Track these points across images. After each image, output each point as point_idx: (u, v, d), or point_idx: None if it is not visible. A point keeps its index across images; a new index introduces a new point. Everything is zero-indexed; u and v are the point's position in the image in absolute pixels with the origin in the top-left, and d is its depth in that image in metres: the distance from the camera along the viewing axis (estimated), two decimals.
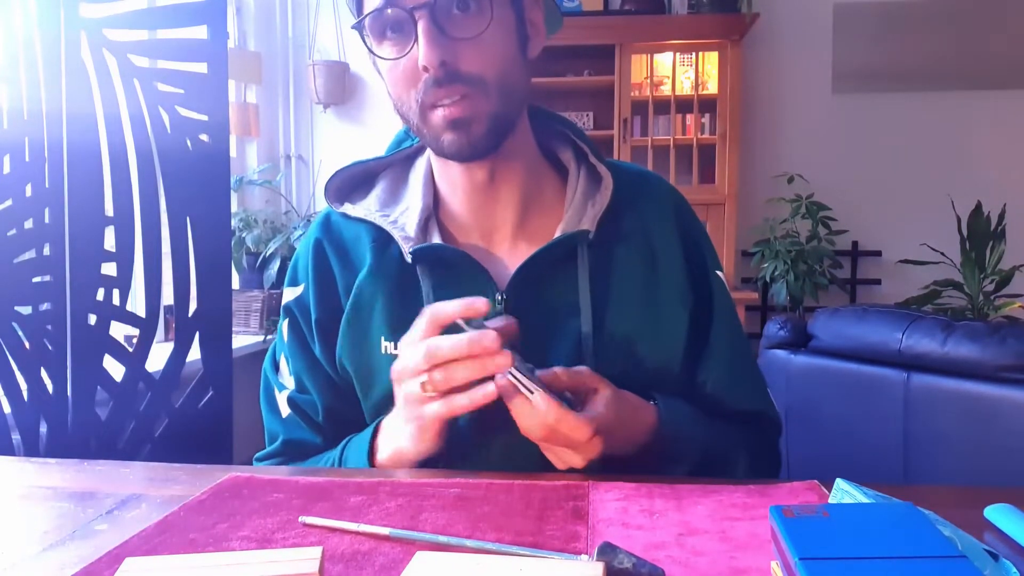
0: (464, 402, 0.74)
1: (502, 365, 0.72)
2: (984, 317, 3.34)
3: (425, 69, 0.80)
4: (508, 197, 0.92)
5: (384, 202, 0.94)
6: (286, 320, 0.96)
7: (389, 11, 0.81)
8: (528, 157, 0.94)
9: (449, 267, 0.89)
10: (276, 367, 0.98)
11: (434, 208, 0.94)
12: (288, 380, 0.96)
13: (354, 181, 0.97)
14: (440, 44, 0.79)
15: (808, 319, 2.32)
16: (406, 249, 0.89)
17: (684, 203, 0.99)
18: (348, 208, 0.94)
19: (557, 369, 0.78)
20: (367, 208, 0.93)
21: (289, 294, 0.97)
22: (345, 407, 0.93)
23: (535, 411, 0.71)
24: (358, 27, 0.84)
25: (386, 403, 0.88)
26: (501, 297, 0.87)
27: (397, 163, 0.99)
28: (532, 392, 0.72)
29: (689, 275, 0.93)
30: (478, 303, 0.74)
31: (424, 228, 0.92)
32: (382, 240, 0.92)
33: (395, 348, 0.87)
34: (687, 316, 0.91)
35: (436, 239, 0.91)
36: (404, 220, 0.92)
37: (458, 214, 0.94)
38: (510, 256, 0.92)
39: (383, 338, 0.89)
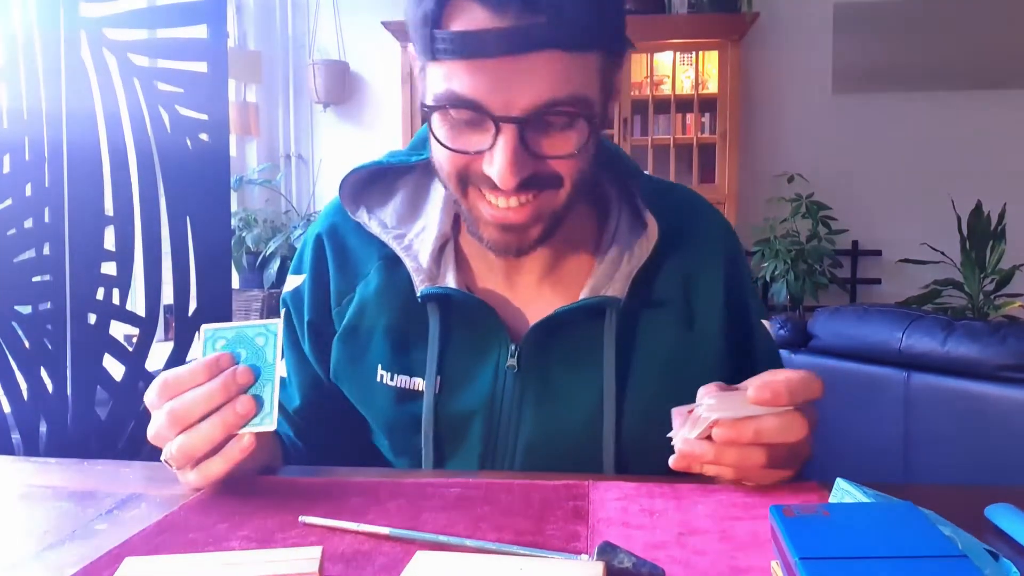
0: (219, 466, 0.67)
1: (244, 409, 0.65)
2: (984, 316, 3.34)
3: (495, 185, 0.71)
4: (538, 258, 0.85)
5: (401, 217, 0.87)
6: (283, 311, 0.93)
7: (466, 114, 0.71)
8: (583, 213, 0.86)
9: (461, 309, 0.83)
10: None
11: (454, 231, 0.87)
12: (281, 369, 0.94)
13: (372, 183, 0.89)
14: (522, 166, 0.70)
15: (808, 318, 2.33)
16: (417, 282, 0.83)
17: (735, 248, 0.90)
18: (363, 217, 0.87)
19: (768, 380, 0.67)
20: (383, 222, 0.87)
21: (289, 283, 0.93)
22: (324, 408, 0.91)
23: (787, 430, 0.65)
24: (425, 109, 0.74)
25: (385, 427, 0.87)
26: (515, 350, 0.81)
27: (419, 170, 0.90)
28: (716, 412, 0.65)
29: (728, 332, 0.85)
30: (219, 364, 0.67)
31: (439, 258, 0.85)
32: (391, 259, 0.86)
33: (391, 379, 0.84)
34: (719, 375, 0.80)
35: (450, 274, 0.84)
36: (419, 246, 0.85)
37: (477, 255, 0.86)
38: (533, 304, 0.85)
39: (380, 366, 0.85)
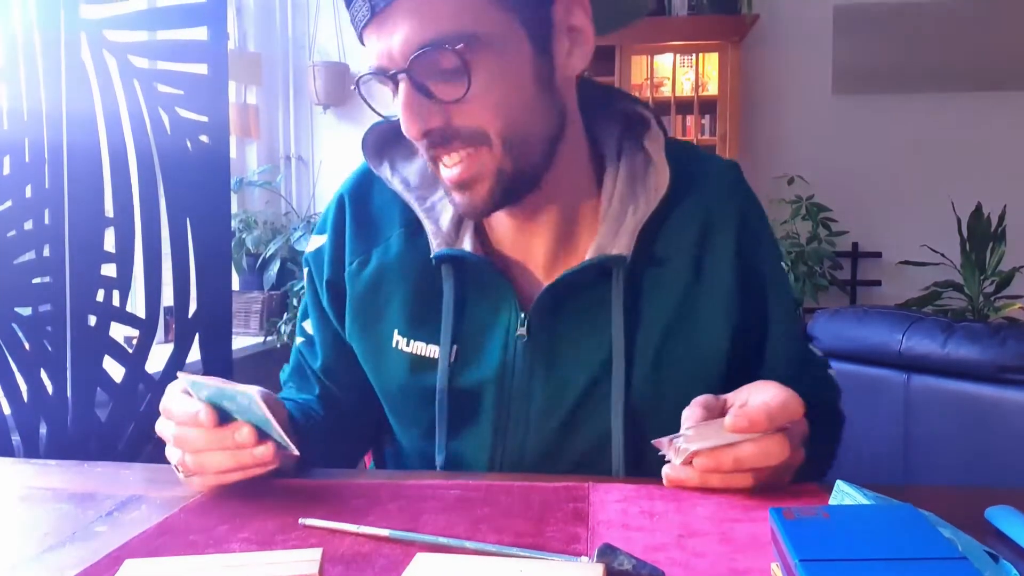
0: (234, 477, 0.69)
1: (263, 458, 0.67)
2: (984, 318, 3.33)
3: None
4: (544, 233, 0.84)
5: (425, 177, 0.86)
6: (306, 270, 0.94)
7: (380, 81, 0.76)
8: (574, 180, 0.84)
9: (476, 274, 0.83)
10: (304, 313, 0.96)
11: None
12: (307, 323, 0.95)
13: (400, 138, 0.85)
14: (423, 111, 0.73)
15: (808, 320, 2.32)
16: (433, 245, 0.83)
17: (749, 201, 0.88)
18: (386, 173, 0.86)
19: (760, 407, 0.67)
20: (406, 179, 0.86)
21: (312, 243, 0.93)
22: (346, 369, 0.91)
23: (768, 454, 0.66)
24: (356, 87, 0.78)
25: (397, 395, 0.87)
26: (524, 319, 0.81)
27: None
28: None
29: (739, 292, 0.83)
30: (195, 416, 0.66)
31: (459, 224, 0.84)
32: (414, 226, 0.86)
33: (407, 345, 0.84)
34: (730, 332, 0.83)
35: (468, 239, 0.83)
36: (441, 209, 0.85)
37: (496, 224, 0.86)
38: (547, 271, 0.85)
39: (396, 331, 0.85)
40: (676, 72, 3.88)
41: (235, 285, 3.55)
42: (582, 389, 0.82)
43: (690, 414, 0.70)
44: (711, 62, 3.86)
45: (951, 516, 0.55)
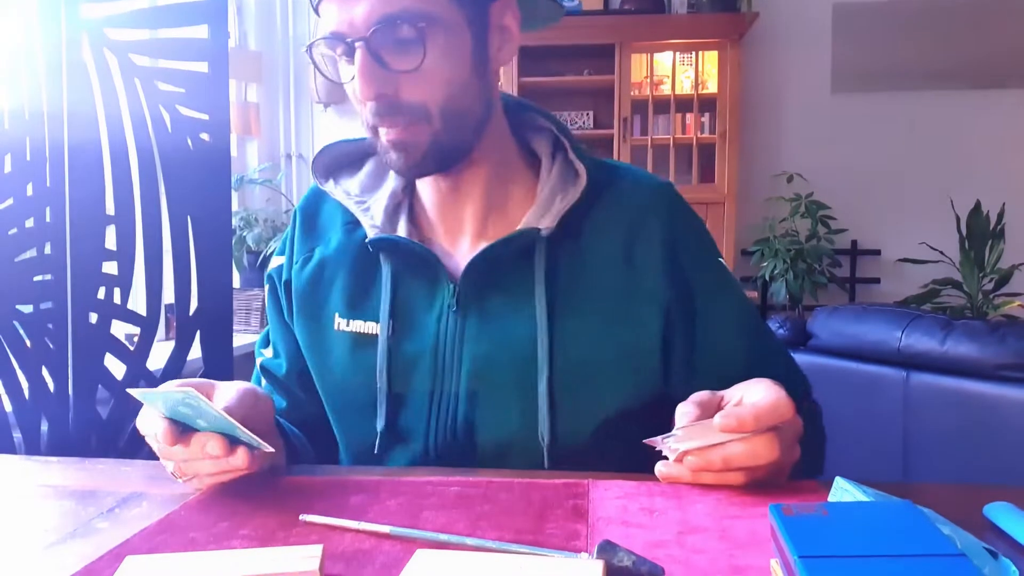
0: (222, 479, 0.71)
1: (239, 465, 0.68)
2: (983, 316, 3.34)
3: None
4: (472, 203, 0.91)
5: (365, 187, 0.95)
6: (267, 287, 1.01)
7: (333, 46, 0.81)
8: (499, 160, 0.92)
9: (409, 256, 0.89)
10: (265, 340, 1.03)
11: (407, 193, 0.94)
12: (267, 350, 1.01)
13: (346, 158, 0.97)
14: (376, 78, 0.79)
15: (807, 318, 2.33)
16: (370, 235, 0.90)
17: (676, 205, 0.94)
18: (330, 187, 0.94)
19: (750, 408, 0.69)
20: (347, 190, 0.94)
21: (274, 262, 1.00)
22: (309, 376, 0.96)
23: (756, 454, 0.68)
24: (308, 51, 0.84)
25: (339, 377, 0.91)
26: (454, 289, 0.87)
27: None
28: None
29: (668, 272, 0.88)
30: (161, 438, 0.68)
31: (392, 216, 0.92)
32: (354, 223, 0.93)
33: (347, 325, 0.90)
34: (660, 315, 0.86)
35: (402, 228, 0.91)
36: (375, 206, 0.93)
37: (427, 209, 0.94)
38: (471, 255, 0.89)
39: (337, 314, 0.91)
40: (676, 70, 3.88)
41: (236, 283, 3.55)
42: (510, 357, 0.86)
43: (685, 412, 0.72)
44: (711, 60, 3.86)
45: (950, 513, 0.55)
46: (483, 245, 0.88)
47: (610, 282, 0.87)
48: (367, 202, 0.93)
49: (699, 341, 0.89)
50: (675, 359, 0.88)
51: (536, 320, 0.85)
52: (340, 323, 0.91)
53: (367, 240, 0.89)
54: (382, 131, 0.83)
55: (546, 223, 0.87)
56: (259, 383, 1.01)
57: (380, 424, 0.88)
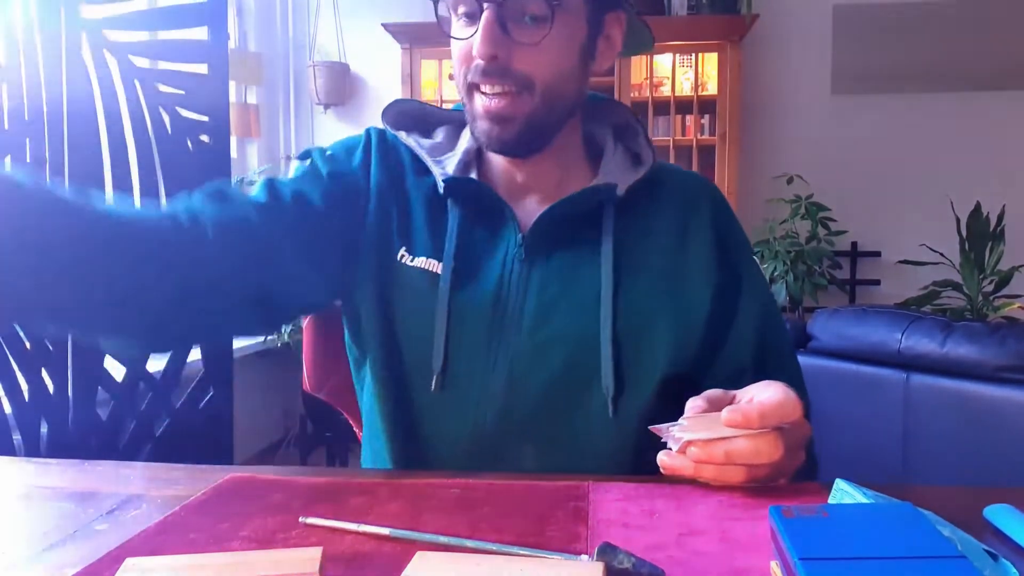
0: None
1: None
2: (983, 318, 3.34)
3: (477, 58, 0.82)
4: (542, 180, 0.94)
5: (436, 148, 0.96)
6: (328, 152, 0.96)
7: (466, 6, 0.84)
8: (568, 155, 0.95)
9: (478, 202, 0.92)
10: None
11: (477, 163, 0.96)
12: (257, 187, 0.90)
13: (413, 120, 0.99)
14: (497, 41, 0.81)
15: (808, 319, 2.32)
16: (440, 183, 0.91)
17: (722, 199, 1.00)
18: (401, 134, 0.96)
19: (755, 404, 0.69)
20: (420, 143, 0.95)
21: (331, 146, 0.98)
22: (271, 217, 0.86)
23: (759, 452, 0.68)
24: (436, 4, 0.86)
25: (399, 307, 0.90)
26: (521, 240, 0.89)
27: (457, 120, 1.00)
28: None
29: (718, 257, 0.92)
30: None
31: (463, 170, 0.94)
32: (424, 170, 0.95)
33: (411, 260, 0.90)
34: (710, 294, 0.90)
35: (473, 175, 0.93)
36: (446, 161, 0.95)
37: (494, 183, 0.95)
38: (536, 214, 0.92)
39: (403, 249, 0.91)
40: (676, 72, 3.88)
41: None
42: (573, 308, 0.88)
43: (693, 404, 0.73)
44: (710, 62, 3.86)
45: (950, 515, 0.55)
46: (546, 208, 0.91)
47: (668, 253, 0.91)
48: (438, 157, 0.95)
49: (732, 325, 0.92)
50: (709, 337, 0.91)
51: (601, 273, 0.88)
52: (405, 257, 0.91)
53: (443, 178, 0.91)
54: (480, 98, 0.85)
55: (617, 183, 0.90)
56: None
57: (437, 362, 0.88)
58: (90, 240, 0.69)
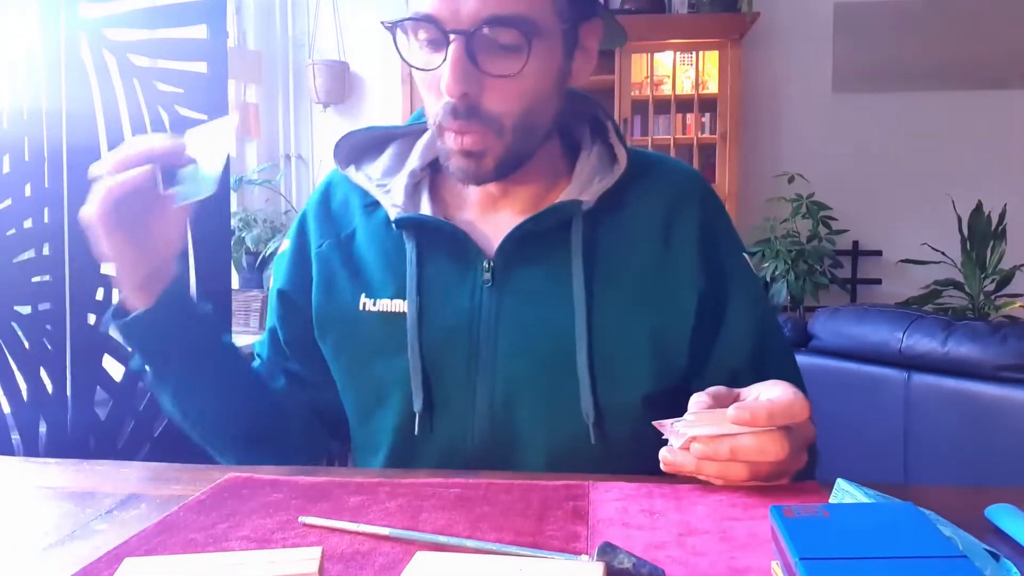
0: (113, 181, 0.82)
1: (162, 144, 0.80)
2: (985, 317, 3.34)
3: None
4: (518, 195, 0.91)
5: (386, 171, 0.93)
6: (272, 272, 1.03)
7: (424, 29, 0.79)
8: (550, 158, 0.92)
9: (435, 235, 0.88)
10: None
11: (431, 170, 0.93)
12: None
13: (368, 145, 0.96)
14: (466, 78, 0.77)
15: (808, 319, 2.33)
16: (392, 215, 0.88)
17: (710, 192, 0.95)
18: (351, 172, 0.93)
19: (764, 403, 0.68)
20: (368, 175, 0.93)
21: (283, 247, 1.00)
22: (312, 343, 0.94)
23: (765, 450, 0.67)
24: (391, 27, 0.81)
25: (368, 357, 0.89)
26: (489, 265, 0.86)
27: (412, 134, 0.96)
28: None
29: (704, 259, 0.88)
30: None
31: (413, 194, 0.90)
32: (373, 204, 0.92)
33: (374, 304, 0.89)
34: (695, 300, 0.86)
35: (425, 206, 0.90)
36: (395, 188, 0.91)
37: (459, 187, 0.92)
38: (506, 230, 0.88)
39: (363, 295, 0.89)
40: (676, 70, 3.88)
41: (235, 283, 3.55)
42: (547, 334, 0.85)
43: (698, 400, 0.71)
44: (711, 60, 3.86)
45: (951, 514, 0.55)
46: (518, 220, 0.87)
47: (647, 261, 0.87)
48: (388, 184, 0.92)
49: (722, 329, 0.89)
50: (698, 344, 0.88)
51: (573, 294, 0.84)
52: (367, 303, 0.89)
53: (392, 220, 0.88)
54: (449, 136, 0.81)
55: (586, 198, 0.87)
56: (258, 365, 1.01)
57: (417, 404, 0.85)
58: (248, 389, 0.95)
